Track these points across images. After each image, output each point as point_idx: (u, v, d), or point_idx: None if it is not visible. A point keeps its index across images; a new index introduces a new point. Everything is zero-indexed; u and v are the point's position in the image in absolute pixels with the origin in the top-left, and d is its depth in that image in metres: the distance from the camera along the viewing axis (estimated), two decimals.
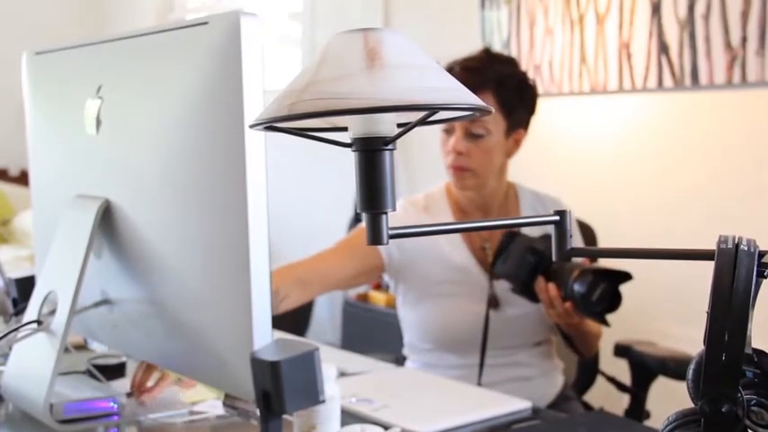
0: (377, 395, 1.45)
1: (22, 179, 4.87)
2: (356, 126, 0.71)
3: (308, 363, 1.02)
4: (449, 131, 1.84)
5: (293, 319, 2.88)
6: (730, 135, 2.54)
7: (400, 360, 1.99)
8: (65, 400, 1.26)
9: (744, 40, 2.41)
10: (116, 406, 1.31)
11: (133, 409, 1.34)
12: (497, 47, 3.10)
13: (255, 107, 1.00)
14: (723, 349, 0.65)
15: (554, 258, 0.80)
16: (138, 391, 1.35)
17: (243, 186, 1.01)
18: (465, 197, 1.91)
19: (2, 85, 4.47)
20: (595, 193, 2.86)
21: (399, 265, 1.88)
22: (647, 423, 1.95)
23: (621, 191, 2.82)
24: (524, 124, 1.89)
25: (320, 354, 1.04)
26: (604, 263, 1.80)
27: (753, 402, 0.67)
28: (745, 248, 0.67)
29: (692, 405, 0.68)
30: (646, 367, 2.01)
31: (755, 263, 0.66)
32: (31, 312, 1.29)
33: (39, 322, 1.26)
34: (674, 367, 1.95)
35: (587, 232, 2.13)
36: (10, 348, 1.34)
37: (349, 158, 0.71)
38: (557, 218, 0.79)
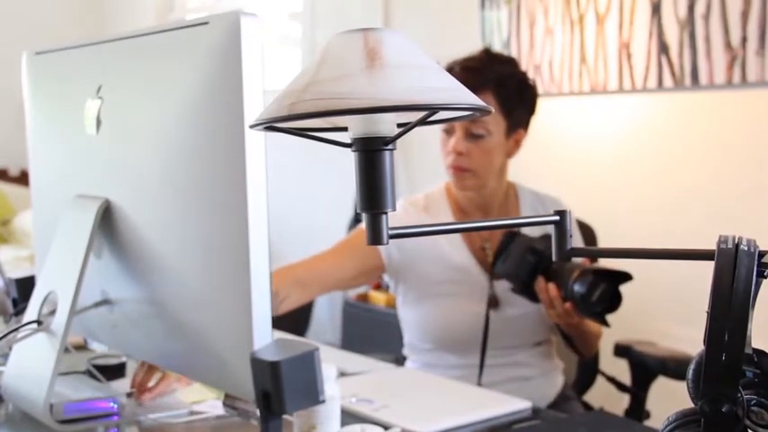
0: (377, 395, 1.45)
1: (22, 179, 4.87)
2: (356, 126, 0.71)
3: (308, 363, 1.02)
4: (449, 132, 1.84)
5: (293, 320, 2.88)
6: (730, 135, 2.54)
7: (400, 360, 1.99)
8: (65, 400, 1.26)
9: (744, 40, 2.41)
10: (116, 406, 1.31)
11: (133, 409, 1.34)
12: (497, 47, 3.10)
13: (255, 107, 1.00)
14: (723, 349, 0.65)
15: (554, 258, 0.80)
16: (139, 391, 1.35)
17: (243, 186, 1.01)
18: (465, 197, 1.91)
19: (2, 85, 4.47)
20: (595, 193, 2.86)
21: (399, 266, 1.88)
22: (647, 423, 1.95)
23: (621, 191, 2.82)
24: (524, 124, 1.89)
25: (320, 354, 1.04)
26: (604, 263, 1.80)
27: (753, 402, 0.67)
28: (745, 248, 0.67)
29: (692, 405, 0.68)
30: (646, 367, 2.01)
31: (755, 263, 0.66)
32: (31, 312, 1.29)
33: (39, 322, 1.26)
34: (674, 367, 1.95)
35: (587, 232, 2.13)
36: (10, 348, 1.34)
37: (349, 158, 0.71)
38: (557, 218, 0.79)
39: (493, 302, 1.84)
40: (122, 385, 1.44)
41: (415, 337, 1.92)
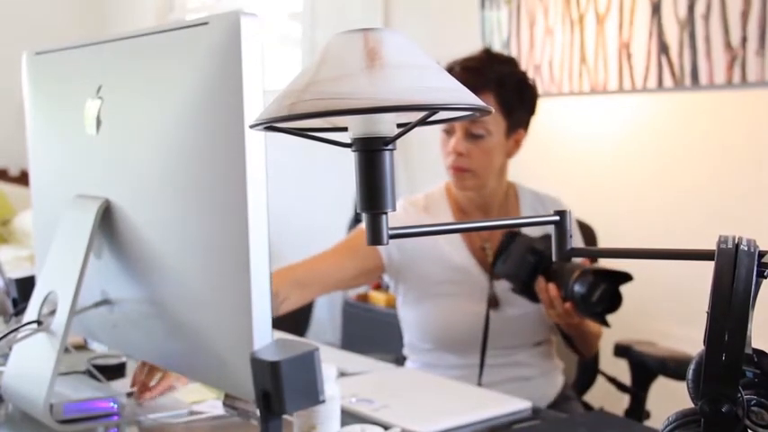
0: (377, 395, 1.45)
1: (22, 179, 4.87)
2: (356, 126, 0.71)
3: (308, 363, 1.02)
4: (449, 132, 1.84)
5: (293, 320, 2.88)
6: (730, 135, 2.54)
7: (400, 360, 1.99)
8: (65, 400, 1.26)
9: (744, 40, 2.41)
10: (116, 406, 1.31)
11: (133, 409, 1.34)
12: (497, 47, 3.10)
13: (255, 107, 1.00)
14: (723, 349, 0.65)
15: (554, 258, 0.80)
16: (140, 390, 1.35)
17: (243, 186, 1.01)
18: (465, 197, 1.91)
19: (2, 85, 4.47)
20: (595, 193, 2.86)
21: (399, 266, 1.88)
22: (647, 423, 1.95)
23: (621, 191, 2.82)
24: (524, 124, 1.89)
25: (320, 354, 1.04)
26: (604, 263, 1.80)
27: (753, 402, 0.67)
28: (745, 248, 0.67)
29: (692, 405, 0.68)
30: (646, 367, 2.01)
31: (755, 263, 0.66)
32: (31, 312, 1.29)
33: (39, 322, 1.26)
34: (674, 367, 1.95)
35: (587, 232, 2.13)
36: (10, 348, 1.34)
37: (349, 158, 0.71)
38: (557, 218, 0.79)
39: (493, 302, 1.84)
40: (122, 385, 1.44)
41: (415, 337, 1.92)
